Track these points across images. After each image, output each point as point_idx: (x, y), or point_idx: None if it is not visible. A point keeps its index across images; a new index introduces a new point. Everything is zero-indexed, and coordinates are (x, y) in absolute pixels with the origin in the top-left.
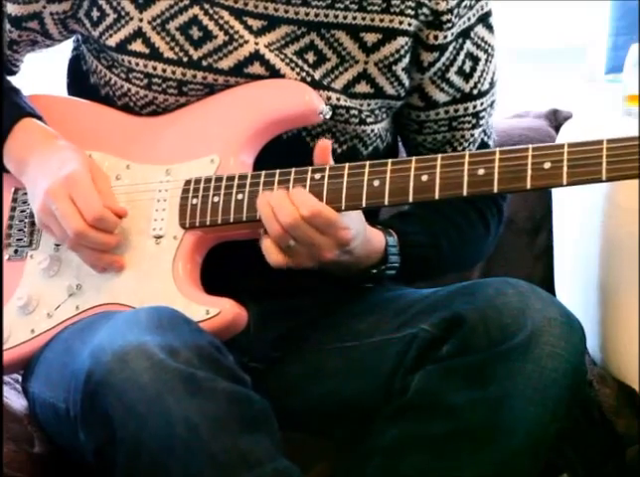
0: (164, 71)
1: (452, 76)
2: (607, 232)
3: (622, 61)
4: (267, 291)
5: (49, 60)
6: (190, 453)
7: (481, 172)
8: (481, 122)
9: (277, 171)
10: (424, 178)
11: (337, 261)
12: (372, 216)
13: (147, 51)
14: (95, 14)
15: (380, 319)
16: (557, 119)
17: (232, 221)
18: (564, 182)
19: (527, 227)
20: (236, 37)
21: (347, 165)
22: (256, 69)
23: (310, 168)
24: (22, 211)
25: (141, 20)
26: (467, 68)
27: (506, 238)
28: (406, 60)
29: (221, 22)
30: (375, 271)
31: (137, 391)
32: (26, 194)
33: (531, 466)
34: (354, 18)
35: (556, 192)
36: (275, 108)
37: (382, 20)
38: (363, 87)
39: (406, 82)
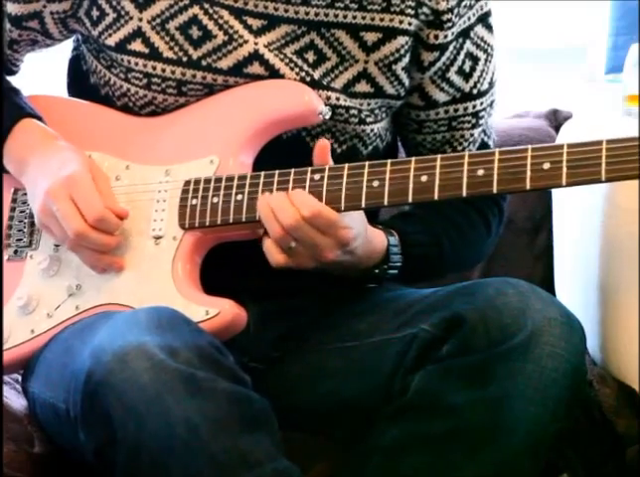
0: (163, 70)
1: (452, 75)
2: (607, 232)
3: (622, 61)
4: (267, 291)
5: (49, 60)
6: (190, 453)
7: (480, 173)
8: (481, 122)
9: (277, 172)
10: (424, 178)
11: (338, 262)
12: (371, 216)
13: (147, 50)
14: (95, 13)
15: (380, 319)
16: (557, 119)
17: (231, 221)
18: (564, 183)
19: (527, 227)
20: (235, 36)
21: (346, 165)
22: (256, 68)
23: (309, 169)
24: (22, 211)
25: (141, 19)
26: (467, 67)
27: (506, 238)
28: (407, 59)
29: (220, 21)
30: (377, 271)
31: (137, 391)
32: (26, 194)
33: (531, 466)
34: (354, 17)
35: (555, 192)
36: (275, 109)
37: (382, 19)
38: (363, 87)
39: (406, 82)
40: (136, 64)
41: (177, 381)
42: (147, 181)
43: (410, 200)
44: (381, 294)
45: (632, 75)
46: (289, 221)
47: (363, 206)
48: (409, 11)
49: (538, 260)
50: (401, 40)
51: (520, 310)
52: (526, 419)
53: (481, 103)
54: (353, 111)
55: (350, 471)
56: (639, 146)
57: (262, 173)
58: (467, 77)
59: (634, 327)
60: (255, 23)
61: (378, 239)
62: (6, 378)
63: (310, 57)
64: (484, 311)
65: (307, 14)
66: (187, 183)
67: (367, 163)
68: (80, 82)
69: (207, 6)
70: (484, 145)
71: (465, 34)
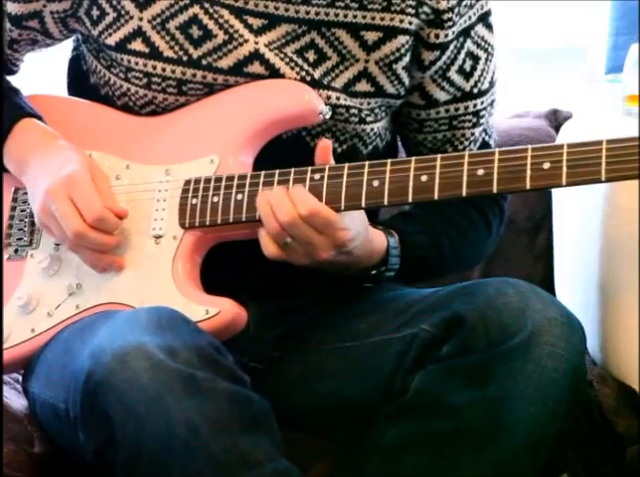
0: (164, 70)
1: (453, 74)
2: (607, 232)
3: (622, 61)
4: (267, 291)
5: (49, 60)
6: (190, 453)
7: (480, 172)
8: (481, 121)
9: (277, 171)
10: (424, 178)
11: (333, 261)
12: (371, 216)
13: (147, 50)
14: (95, 13)
15: (380, 319)
16: (557, 119)
17: (231, 221)
18: (564, 182)
19: (527, 227)
20: (235, 36)
21: (346, 165)
22: (256, 68)
23: (310, 168)
24: (22, 210)
25: (141, 19)
26: (467, 67)
27: (506, 238)
28: (407, 58)
29: (221, 21)
30: (374, 273)
31: (137, 391)
32: (26, 193)
33: (531, 466)
34: (354, 16)
35: (556, 192)
36: (275, 109)
37: (382, 18)
38: (363, 86)
39: (407, 81)
40: (136, 63)
41: (177, 381)
42: (147, 180)
43: (410, 199)
44: (381, 294)
45: (632, 75)
46: (286, 217)
47: (363, 205)
48: (410, 10)
49: (538, 260)
50: (402, 39)
51: (520, 310)
52: (526, 419)
53: (482, 103)
54: (353, 111)
55: (350, 471)
56: (639, 146)
57: (262, 172)
58: (468, 76)
59: (634, 327)
60: (256, 22)
61: (378, 240)
62: (6, 378)
63: (310, 56)
64: (484, 311)
65: (307, 13)
66: (187, 182)
67: (367, 163)
68: (81, 82)
69: (207, 5)
70: (485, 144)
71: (466, 33)
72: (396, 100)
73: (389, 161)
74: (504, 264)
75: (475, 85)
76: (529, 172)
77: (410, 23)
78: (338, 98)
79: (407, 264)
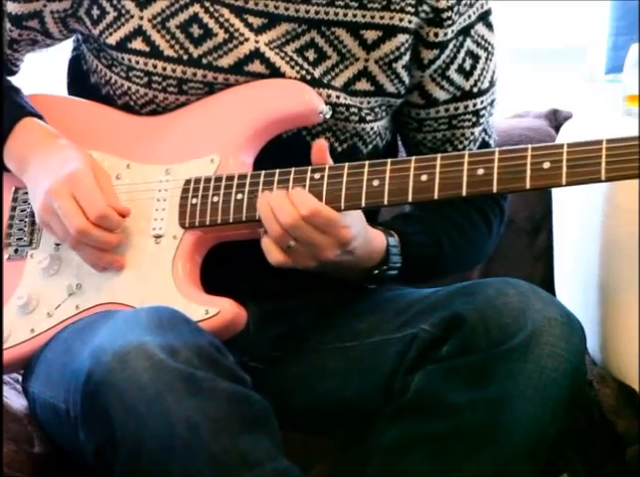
0: (164, 69)
1: (452, 73)
2: (607, 232)
3: (622, 61)
4: (267, 291)
5: (49, 60)
6: (190, 453)
7: (480, 172)
8: (481, 121)
9: (277, 171)
10: (424, 178)
11: (338, 262)
12: (371, 216)
13: (147, 49)
14: (96, 12)
15: (380, 319)
16: (557, 119)
17: (231, 221)
18: (564, 182)
19: (527, 227)
20: (236, 35)
21: (346, 165)
22: (256, 67)
23: (310, 168)
24: (22, 210)
25: (141, 18)
26: (467, 66)
27: (506, 238)
28: (407, 57)
29: (221, 20)
30: (376, 272)
31: (137, 391)
32: (26, 193)
33: (531, 466)
34: (354, 15)
35: (556, 192)
36: (275, 108)
37: (382, 17)
38: (363, 85)
39: (407, 80)
40: (137, 62)
41: (177, 380)
42: (148, 180)
43: (410, 199)
44: (381, 294)
45: (632, 75)
46: (288, 220)
47: (363, 205)
48: (410, 9)
49: (538, 260)
50: (402, 38)
51: (520, 310)
52: (526, 419)
53: (481, 102)
54: (353, 110)
55: (350, 471)
56: (639, 146)
57: (263, 172)
58: (467, 75)
59: (634, 327)
60: (256, 21)
61: (377, 240)
62: (6, 378)
63: (310, 55)
64: (484, 311)
65: (307, 12)
66: (187, 182)
67: (367, 162)
68: (81, 82)
69: (207, 4)
70: (485, 144)
71: (465, 32)
72: (396, 99)
73: (389, 161)
74: (504, 264)
75: (475, 85)
76: (529, 172)
77: (410, 22)
78: (338, 97)
79: (408, 264)
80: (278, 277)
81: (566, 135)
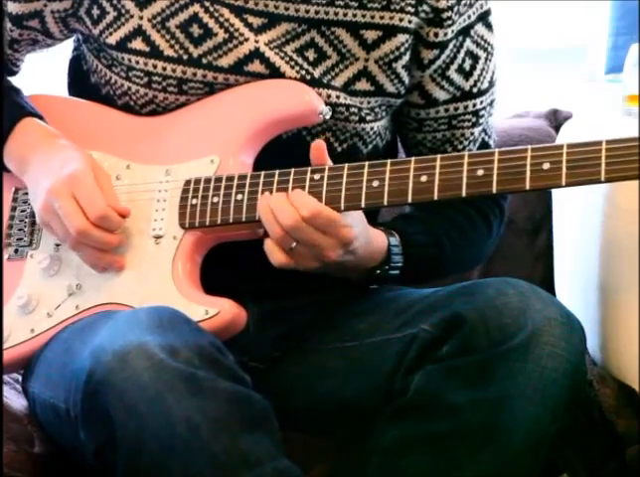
0: (164, 69)
1: (452, 73)
2: (607, 232)
3: (622, 61)
4: (267, 291)
5: (49, 60)
6: (190, 453)
7: (480, 173)
8: (481, 121)
9: (277, 171)
10: (423, 179)
11: (340, 262)
12: (370, 217)
13: (147, 49)
14: (96, 12)
15: (380, 319)
16: (557, 119)
17: (231, 221)
18: (563, 183)
19: (527, 227)
20: (236, 34)
21: (346, 165)
22: (256, 66)
23: (309, 168)
24: (22, 210)
25: (141, 18)
26: (467, 66)
27: (506, 238)
28: (407, 57)
29: (221, 20)
30: (378, 272)
31: (138, 390)
32: (26, 193)
33: (531, 466)
34: (354, 15)
35: (556, 192)
36: (275, 109)
37: (382, 17)
38: (363, 85)
39: (406, 80)
40: (137, 62)
41: (177, 380)
42: (148, 180)
43: (410, 200)
44: (381, 294)
45: (632, 75)
46: (289, 221)
47: (362, 206)
48: (409, 9)
49: (538, 260)
50: (402, 38)
51: (520, 310)
52: (526, 419)
53: (481, 102)
54: (353, 110)
55: (350, 471)
56: (639, 146)
57: (262, 173)
58: (467, 75)
59: (634, 327)
60: (256, 21)
61: (378, 240)
62: (6, 378)
63: (310, 55)
64: (484, 311)
65: (307, 12)
66: (187, 182)
67: (366, 163)
68: (81, 82)
69: (207, 4)
70: (485, 145)
71: (465, 32)
72: (395, 99)
73: (388, 161)
74: (504, 264)
75: (475, 85)
76: (528, 172)
77: (410, 22)
78: (338, 97)
79: (409, 264)
80: (278, 277)
81: (566, 135)
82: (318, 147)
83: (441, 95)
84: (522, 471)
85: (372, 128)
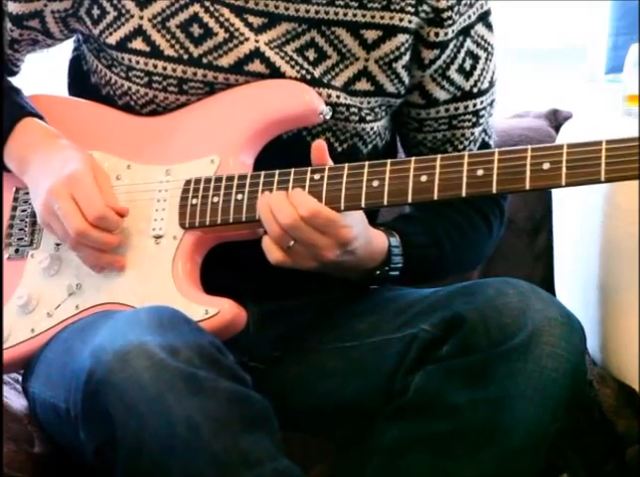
0: (164, 68)
1: (453, 73)
2: (607, 232)
3: (622, 61)
4: (267, 291)
5: (49, 60)
6: (191, 453)
7: (480, 173)
8: (481, 121)
9: (277, 171)
10: (423, 178)
11: (339, 262)
12: (370, 217)
13: (147, 49)
14: (96, 12)
15: (380, 319)
16: (557, 119)
17: (231, 221)
18: (563, 183)
19: (527, 227)
20: (236, 34)
21: (346, 165)
22: (256, 66)
23: (309, 168)
24: (23, 210)
25: (142, 18)
26: (467, 66)
27: (506, 238)
28: (407, 57)
29: (221, 19)
30: (378, 273)
31: (138, 390)
32: (27, 193)
33: (531, 466)
34: (354, 15)
35: (556, 192)
36: (275, 109)
37: (382, 17)
38: (363, 85)
39: (407, 80)
40: (137, 62)
41: (178, 380)
42: (148, 180)
43: (410, 200)
44: (381, 294)
45: (632, 75)
46: (287, 220)
47: (362, 206)
48: (410, 9)
49: (538, 260)
50: (402, 38)
51: (520, 310)
52: (526, 419)
53: (481, 102)
54: (353, 109)
55: (350, 471)
56: (639, 146)
57: (262, 173)
58: (468, 75)
59: (634, 327)
60: (256, 21)
61: (378, 240)
62: (6, 378)
63: (311, 55)
64: (484, 311)
65: (307, 12)
66: (187, 182)
67: (367, 163)
68: (81, 83)
69: (207, 4)
70: (485, 145)
71: (465, 32)
72: (395, 99)
73: (388, 161)
74: (504, 264)
75: (475, 85)
76: (528, 172)
77: (410, 21)
78: (338, 97)
79: (409, 265)
80: (278, 278)
81: (566, 135)
82: (319, 147)
83: (442, 95)
84: (522, 471)
85: (372, 128)
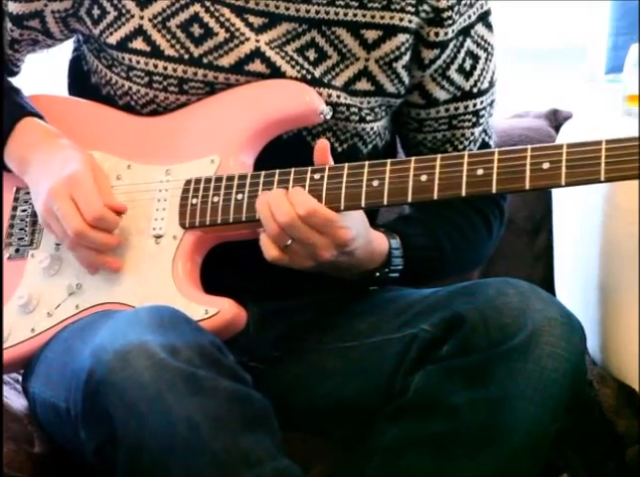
0: (165, 68)
1: (453, 73)
2: (607, 232)
3: (622, 61)
4: (267, 291)
5: (49, 60)
6: (191, 452)
7: (480, 172)
8: (481, 121)
9: (277, 171)
10: (423, 178)
11: (336, 262)
12: (370, 218)
13: (148, 48)
14: (96, 12)
15: (380, 319)
16: (557, 119)
17: (231, 221)
18: (563, 182)
19: (527, 227)
20: (236, 34)
21: (346, 165)
22: (257, 66)
23: (310, 168)
24: (23, 210)
25: (142, 18)
26: (467, 66)
27: (506, 238)
28: (407, 57)
29: (222, 19)
30: (378, 274)
31: (138, 389)
32: (27, 193)
33: (531, 466)
34: (354, 15)
35: (556, 192)
36: (276, 109)
37: (382, 17)
38: (363, 85)
39: (407, 80)
40: (137, 62)
41: (178, 379)
42: (148, 180)
43: (410, 199)
44: (381, 294)
45: (632, 75)
46: (285, 219)
47: (362, 205)
48: (410, 9)
49: (538, 260)
50: (402, 37)
51: (520, 310)
52: (526, 419)
53: (481, 102)
54: (353, 109)
55: (350, 471)
56: (639, 146)
57: (263, 172)
58: (468, 75)
59: (634, 327)
60: (257, 21)
61: (378, 241)
62: (6, 377)
63: (311, 55)
64: (484, 311)
65: (308, 12)
66: (188, 182)
67: (367, 163)
68: (82, 83)
69: (208, 4)
70: (485, 145)
71: (465, 32)
72: (396, 99)
73: (388, 161)
74: (504, 264)
75: (475, 85)
76: (528, 172)
77: (410, 21)
78: (338, 97)
79: (410, 266)
80: (278, 278)
81: (566, 135)
82: (322, 148)
83: (441, 95)
84: (522, 471)
85: (372, 128)
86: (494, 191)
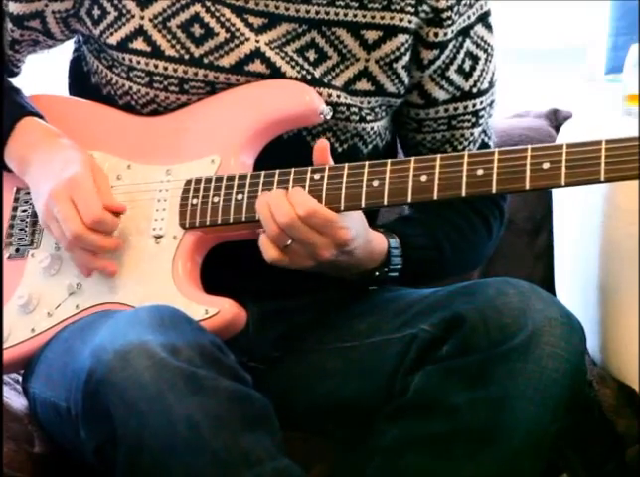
0: (165, 68)
1: (452, 74)
2: (607, 232)
3: (622, 61)
4: (267, 291)
5: (50, 60)
6: (191, 451)
7: (480, 172)
8: (481, 122)
9: (277, 171)
10: (423, 178)
11: (336, 262)
12: (370, 218)
13: (148, 48)
14: (97, 12)
15: (380, 319)
16: (557, 119)
17: (231, 221)
18: (563, 182)
19: (527, 227)
20: (237, 34)
21: (346, 165)
22: (257, 66)
23: (310, 168)
24: (23, 210)
25: (142, 18)
26: (467, 66)
27: (506, 238)
28: (407, 57)
29: (222, 19)
30: (377, 274)
31: (139, 389)
32: (28, 193)
33: (531, 466)
34: (354, 15)
35: (556, 192)
36: (276, 109)
37: (382, 17)
38: (363, 85)
39: (407, 80)
40: (138, 62)
41: (178, 379)
42: (148, 180)
43: (410, 199)
44: (381, 295)
45: (632, 75)
46: (285, 219)
47: (362, 205)
48: (410, 9)
49: (538, 260)
50: (402, 38)
51: (520, 310)
52: (526, 419)
53: (481, 103)
54: (353, 109)
55: (350, 471)
56: (639, 146)
57: (263, 173)
58: (467, 75)
59: (634, 327)
60: (257, 21)
61: (377, 241)
62: (6, 377)
63: (311, 55)
64: (484, 311)
65: (308, 12)
66: (188, 182)
67: (367, 163)
68: (82, 83)
69: (208, 4)
70: (484, 146)
71: (465, 32)
72: (396, 100)
73: (388, 161)
74: (504, 264)
75: (474, 85)
76: (528, 172)
77: (410, 21)
78: (338, 97)
79: (408, 267)
80: (278, 277)
81: (566, 135)
82: (322, 148)
83: (441, 96)
84: (522, 471)
85: (372, 128)
86: (494, 191)
